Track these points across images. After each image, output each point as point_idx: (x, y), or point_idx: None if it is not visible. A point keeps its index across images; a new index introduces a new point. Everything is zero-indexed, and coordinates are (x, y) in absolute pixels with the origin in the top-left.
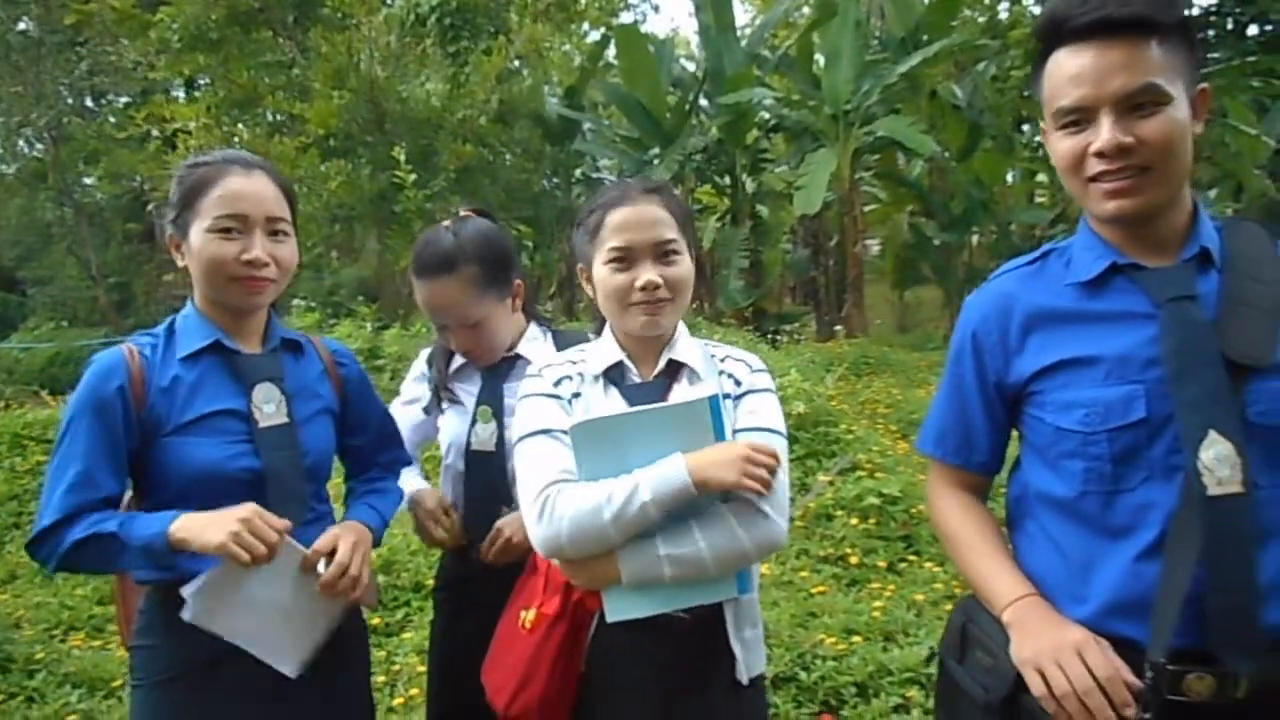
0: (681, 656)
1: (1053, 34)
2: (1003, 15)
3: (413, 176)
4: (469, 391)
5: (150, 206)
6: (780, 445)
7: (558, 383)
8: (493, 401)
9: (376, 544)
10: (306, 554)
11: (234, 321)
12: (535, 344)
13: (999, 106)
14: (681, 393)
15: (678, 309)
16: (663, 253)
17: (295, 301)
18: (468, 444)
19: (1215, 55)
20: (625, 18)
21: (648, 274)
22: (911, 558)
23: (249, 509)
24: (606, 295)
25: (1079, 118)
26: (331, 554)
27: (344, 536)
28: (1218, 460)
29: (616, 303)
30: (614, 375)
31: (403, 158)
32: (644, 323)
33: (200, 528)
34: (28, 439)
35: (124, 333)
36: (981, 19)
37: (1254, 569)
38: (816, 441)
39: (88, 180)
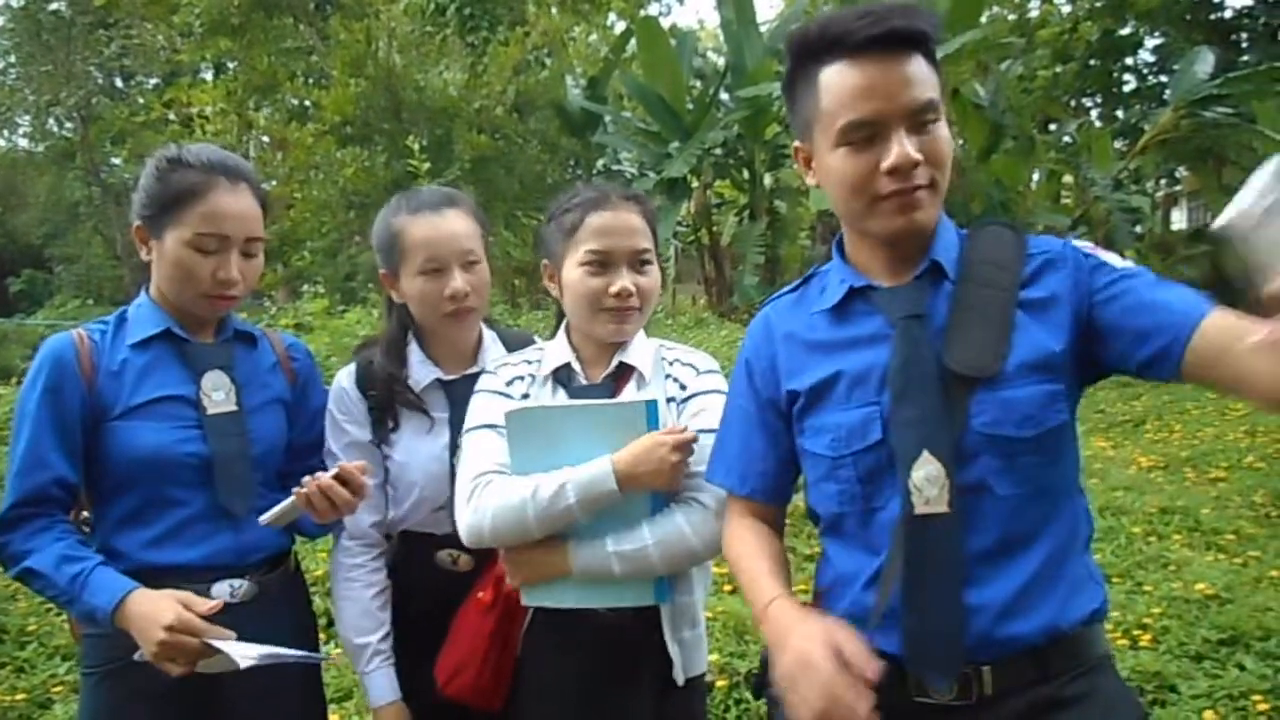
0: (611, 654)
1: (827, 47)
2: (1033, 13)
3: (427, 165)
4: (430, 417)
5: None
6: None
7: (510, 382)
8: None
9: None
10: (249, 660)
11: (189, 315)
12: (493, 349)
13: (1022, 107)
14: (627, 396)
15: (644, 317)
16: (639, 261)
17: (306, 287)
18: (452, 469)
19: (1245, 59)
20: (651, 10)
21: (623, 281)
22: None
23: (173, 614)
24: (577, 297)
25: (870, 133)
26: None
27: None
28: (928, 480)
29: (587, 307)
30: (562, 376)
31: (418, 146)
32: (612, 330)
33: (141, 626)
34: None
35: None
36: (1011, 16)
37: (955, 589)
38: None
39: (115, 160)
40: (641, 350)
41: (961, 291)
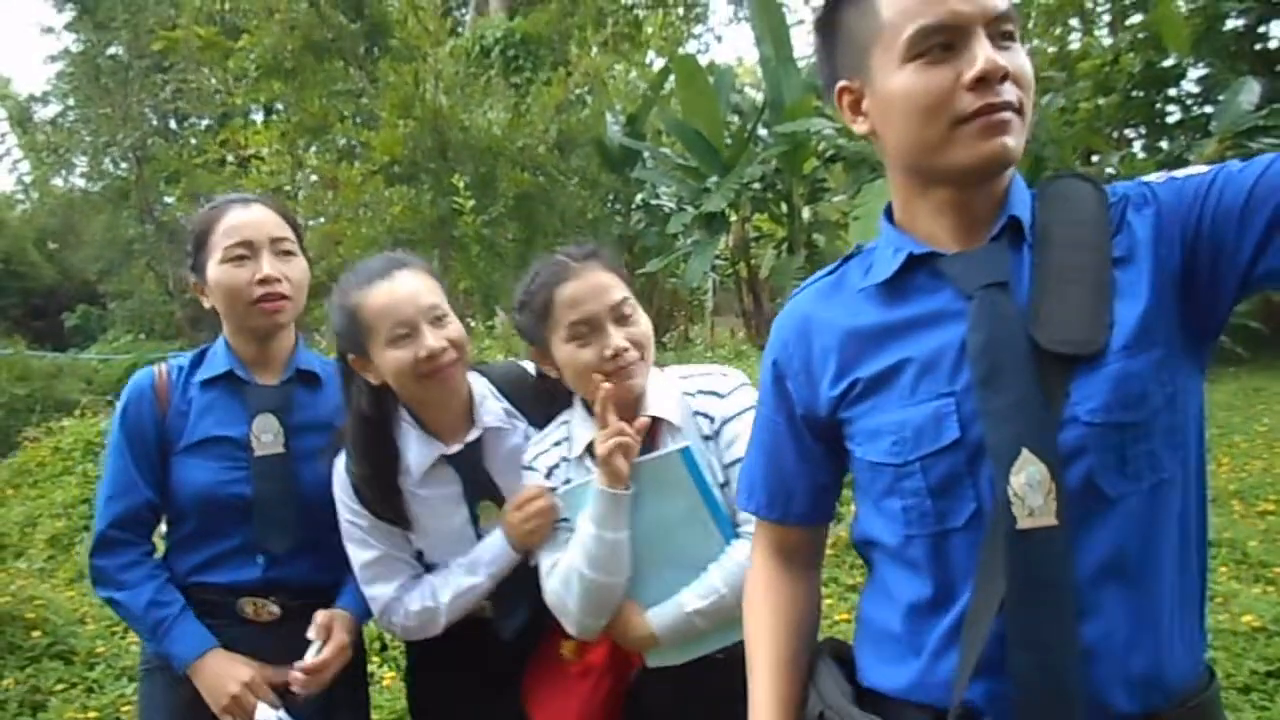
0: (719, 691)
1: None
2: (1073, 45)
3: (472, 203)
4: (442, 495)
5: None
6: None
7: (549, 473)
8: (489, 492)
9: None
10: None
11: (258, 350)
12: (487, 402)
13: (1064, 140)
14: (661, 449)
15: (648, 364)
16: (621, 315)
17: None
18: (479, 537)
19: None
20: (690, 47)
21: (615, 340)
22: None
23: (239, 685)
24: (577, 373)
25: (947, 40)
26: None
27: (335, 634)
28: (1030, 486)
29: (589, 378)
30: (594, 449)
31: (463, 184)
32: (625, 389)
33: (212, 685)
34: (101, 445)
35: (197, 346)
36: (1051, 49)
37: (1070, 621)
38: None
39: (168, 199)
40: (663, 397)
41: (1044, 256)
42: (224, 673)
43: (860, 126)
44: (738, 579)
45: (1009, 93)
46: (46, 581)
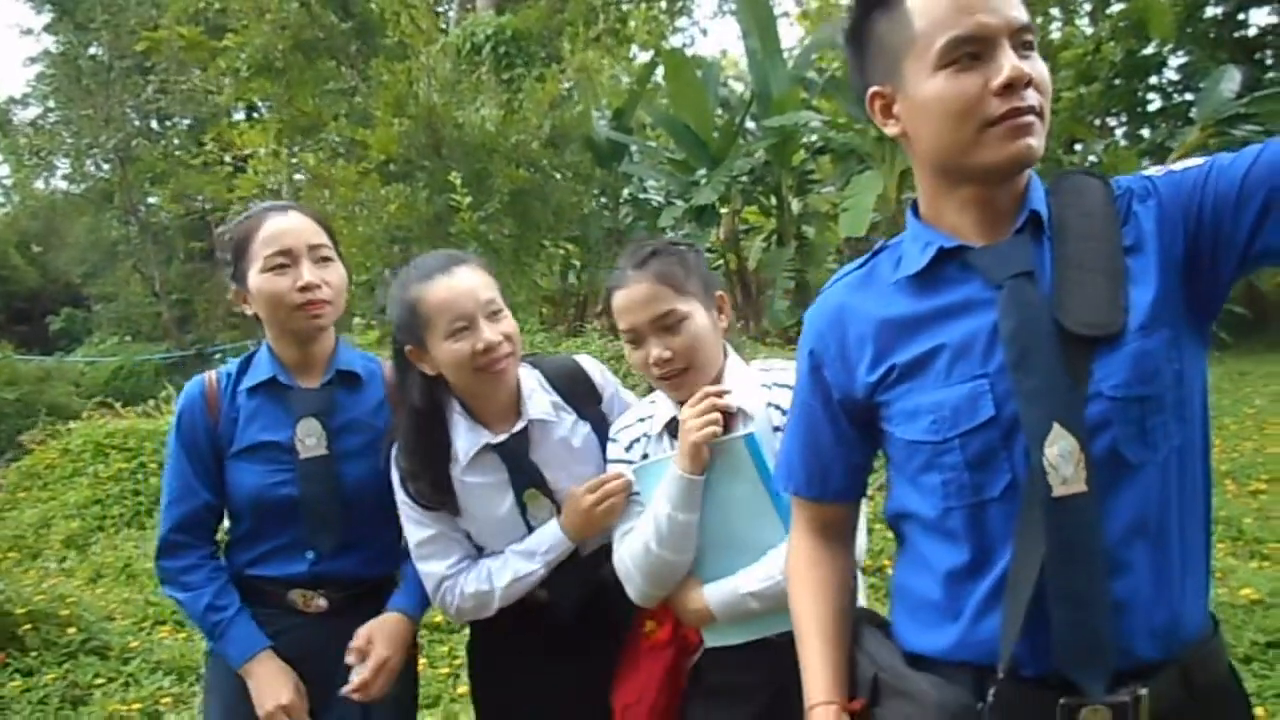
0: (779, 676)
1: None
2: (1055, 35)
3: (468, 199)
4: (489, 482)
5: (220, 230)
6: None
7: (629, 446)
8: (535, 481)
9: (417, 623)
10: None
11: (300, 354)
12: (536, 395)
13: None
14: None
15: (699, 370)
16: (663, 326)
17: (356, 320)
18: (527, 526)
19: (1271, 76)
20: (674, 41)
21: (655, 350)
22: None
23: (288, 698)
24: (643, 372)
25: (975, 50)
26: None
27: (376, 650)
28: (1062, 457)
29: (649, 378)
30: (674, 428)
31: (459, 182)
32: (675, 395)
33: (261, 687)
34: (109, 447)
35: (184, 348)
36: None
37: (1102, 579)
38: None
39: (152, 200)
40: (742, 387)
41: (1062, 247)
42: (271, 684)
43: (891, 129)
44: None
45: (1032, 98)
46: (68, 582)
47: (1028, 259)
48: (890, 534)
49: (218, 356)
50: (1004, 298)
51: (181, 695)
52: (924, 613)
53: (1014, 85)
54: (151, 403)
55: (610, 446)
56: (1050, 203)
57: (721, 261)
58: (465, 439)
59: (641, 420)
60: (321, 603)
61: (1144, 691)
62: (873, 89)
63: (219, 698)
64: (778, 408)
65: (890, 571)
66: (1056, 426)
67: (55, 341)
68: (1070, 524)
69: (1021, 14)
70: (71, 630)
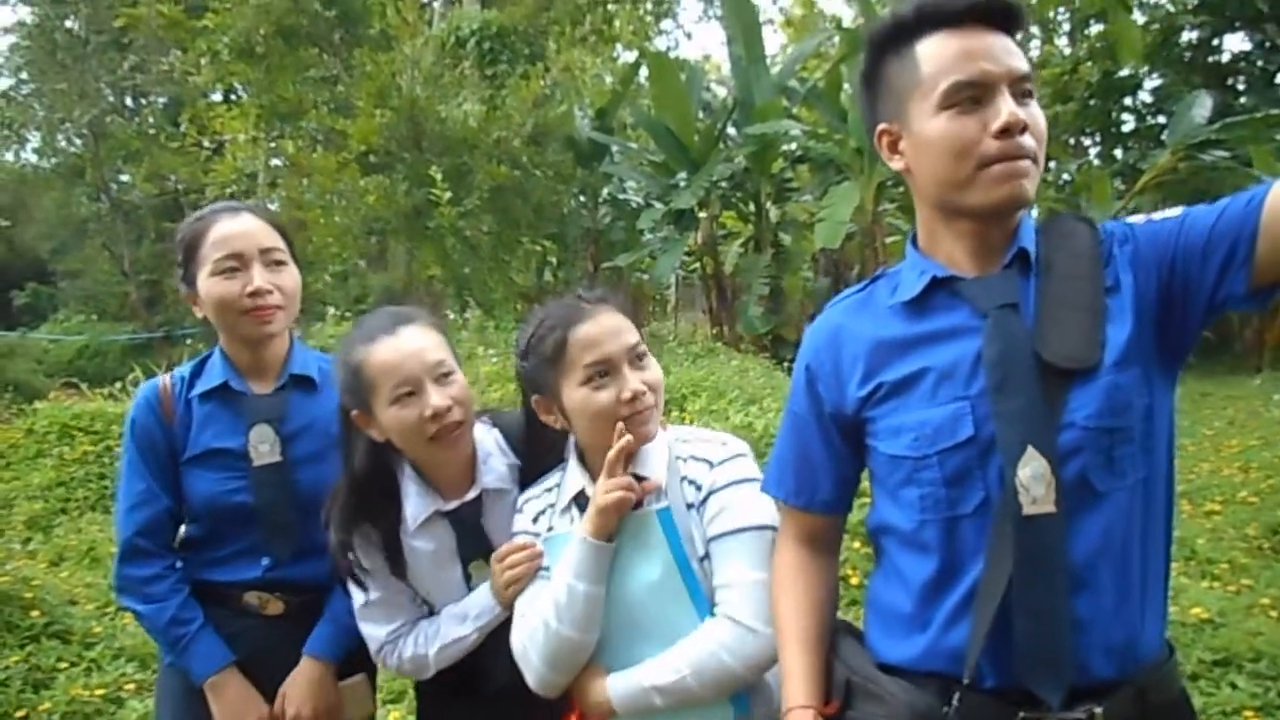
0: None
1: (923, 23)
2: (1034, 54)
3: (447, 194)
4: (436, 549)
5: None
6: (756, 544)
7: (535, 518)
8: (483, 551)
9: (348, 656)
10: None
11: (253, 358)
12: (491, 460)
13: None
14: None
15: (659, 410)
16: (636, 356)
17: (331, 311)
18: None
19: (1242, 102)
20: (659, 43)
21: (632, 384)
22: None
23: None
24: (591, 418)
25: (976, 94)
26: None
27: (289, 706)
28: (1034, 478)
29: (605, 422)
30: (582, 501)
31: (439, 176)
32: (643, 435)
33: (225, 707)
34: (75, 429)
35: (152, 329)
36: None
37: (1065, 596)
38: None
39: (124, 178)
40: (655, 457)
41: (1047, 284)
42: (236, 706)
43: (896, 164)
44: (705, 665)
45: (1027, 142)
46: (32, 565)
47: (1014, 292)
48: (855, 545)
49: (187, 341)
50: (989, 326)
51: (145, 682)
52: (895, 624)
53: (1010, 129)
54: (119, 385)
55: (516, 518)
56: (1040, 242)
57: (698, 265)
58: (415, 504)
59: (549, 490)
60: (278, 606)
61: (1099, 710)
62: (881, 126)
63: (170, 708)
64: (693, 483)
65: (854, 581)
66: (1030, 449)
67: (19, 317)
68: (1037, 542)
69: (1022, 64)
70: (34, 614)
